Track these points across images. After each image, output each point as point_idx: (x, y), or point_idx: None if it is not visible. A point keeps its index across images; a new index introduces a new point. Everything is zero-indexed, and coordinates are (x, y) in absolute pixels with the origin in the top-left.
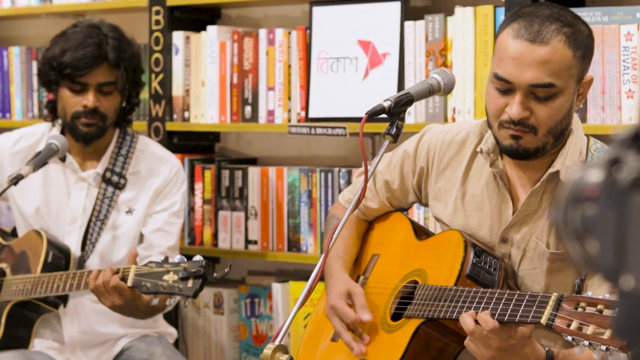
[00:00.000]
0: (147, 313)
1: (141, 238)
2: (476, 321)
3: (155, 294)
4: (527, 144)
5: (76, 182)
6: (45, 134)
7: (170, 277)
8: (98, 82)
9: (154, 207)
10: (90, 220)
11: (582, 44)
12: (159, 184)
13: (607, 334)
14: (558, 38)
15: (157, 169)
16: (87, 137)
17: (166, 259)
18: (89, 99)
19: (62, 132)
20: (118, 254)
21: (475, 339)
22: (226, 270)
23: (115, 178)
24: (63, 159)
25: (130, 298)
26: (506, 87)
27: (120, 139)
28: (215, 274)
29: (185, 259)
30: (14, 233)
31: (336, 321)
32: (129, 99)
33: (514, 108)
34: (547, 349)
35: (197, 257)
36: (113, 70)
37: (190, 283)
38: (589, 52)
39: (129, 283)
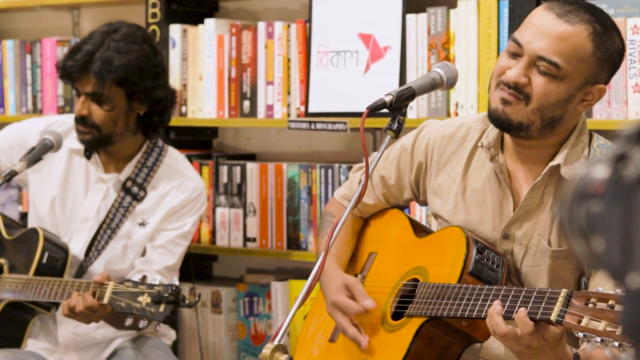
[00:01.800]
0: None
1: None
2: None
3: (128, 314)
4: (512, 114)
5: (96, 183)
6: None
7: (144, 300)
8: (85, 91)
9: (165, 224)
10: (100, 227)
11: (607, 51)
12: (176, 203)
13: (619, 330)
14: (585, 27)
15: (178, 188)
16: (84, 144)
17: (143, 279)
18: (77, 107)
19: None
20: (124, 263)
21: (507, 341)
22: (196, 299)
23: (135, 189)
24: (89, 157)
25: (106, 314)
26: (516, 51)
27: (149, 149)
28: (187, 301)
29: (161, 281)
30: (24, 223)
31: (339, 316)
32: (153, 108)
33: (513, 69)
34: (574, 352)
35: (173, 281)
36: (99, 81)
37: (161, 308)
38: (611, 64)
39: (105, 300)
